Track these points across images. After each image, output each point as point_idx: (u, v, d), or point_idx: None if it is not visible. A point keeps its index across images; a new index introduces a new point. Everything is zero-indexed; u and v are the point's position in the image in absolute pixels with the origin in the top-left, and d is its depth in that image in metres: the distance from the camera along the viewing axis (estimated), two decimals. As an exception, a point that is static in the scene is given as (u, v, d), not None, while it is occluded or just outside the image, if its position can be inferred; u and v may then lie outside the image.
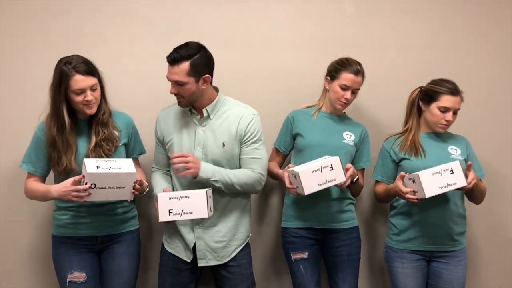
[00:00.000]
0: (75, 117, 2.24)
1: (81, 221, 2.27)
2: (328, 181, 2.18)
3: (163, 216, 2.13)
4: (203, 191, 2.13)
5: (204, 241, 2.29)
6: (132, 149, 2.40)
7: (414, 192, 2.22)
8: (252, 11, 2.76)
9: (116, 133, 2.29)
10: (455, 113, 2.36)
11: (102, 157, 2.20)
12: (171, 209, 2.12)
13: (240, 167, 2.32)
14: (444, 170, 2.18)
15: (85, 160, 2.09)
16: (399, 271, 2.39)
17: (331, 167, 2.18)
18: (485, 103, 2.80)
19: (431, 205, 2.31)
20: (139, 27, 2.70)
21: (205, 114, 2.28)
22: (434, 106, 2.36)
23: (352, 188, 2.45)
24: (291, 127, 2.51)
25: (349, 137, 2.45)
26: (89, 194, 2.08)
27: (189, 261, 2.31)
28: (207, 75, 2.21)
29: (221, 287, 2.38)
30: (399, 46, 2.79)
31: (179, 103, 2.26)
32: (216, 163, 2.27)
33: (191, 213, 2.12)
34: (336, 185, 2.24)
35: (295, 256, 2.43)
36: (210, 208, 2.14)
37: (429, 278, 2.41)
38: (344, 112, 2.54)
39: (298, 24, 2.77)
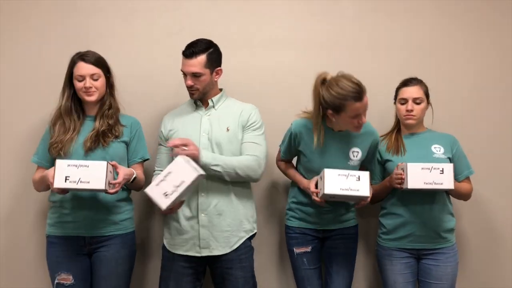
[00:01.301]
0: (84, 112, 2.35)
1: (68, 219, 2.27)
2: (351, 189, 2.20)
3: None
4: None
5: (208, 230, 2.31)
6: (134, 151, 2.39)
7: (402, 179, 2.27)
8: (252, 11, 2.77)
9: (121, 127, 2.34)
10: (417, 103, 2.42)
11: (98, 145, 2.26)
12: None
13: (241, 154, 2.39)
14: (435, 168, 2.23)
15: (57, 161, 2.10)
16: (388, 268, 2.44)
17: (358, 178, 2.21)
18: (476, 102, 2.82)
19: (418, 203, 2.37)
20: (139, 27, 2.71)
21: (210, 104, 2.41)
22: (397, 102, 2.48)
23: None
24: (294, 143, 2.42)
25: (355, 155, 2.37)
26: (67, 191, 2.18)
27: (200, 255, 2.31)
28: (219, 68, 2.40)
29: None
30: (399, 46, 2.80)
31: (192, 95, 2.38)
32: (220, 147, 2.33)
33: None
34: (357, 198, 2.25)
35: (298, 250, 2.45)
36: (196, 169, 2.09)
37: (420, 275, 2.45)
38: None
39: (298, 24, 2.78)
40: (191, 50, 2.31)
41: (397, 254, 2.43)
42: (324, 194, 2.22)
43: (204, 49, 2.32)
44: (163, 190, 2.07)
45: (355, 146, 2.37)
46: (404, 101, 2.44)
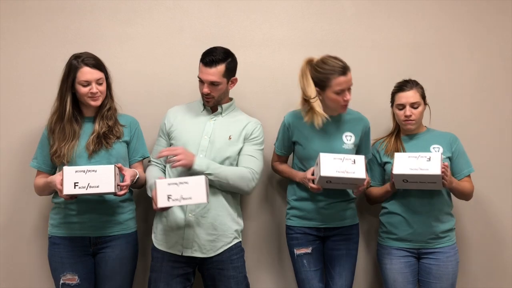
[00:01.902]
0: (81, 114, 2.33)
1: (73, 220, 2.27)
2: (347, 172, 2.22)
3: (162, 202, 2.13)
4: (202, 177, 2.15)
5: (193, 230, 2.30)
6: (134, 150, 2.40)
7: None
8: (253, 11, 2.76)
9: (121, 127, 2.35)
10: (414, 107, 2.42)
11: (102, 147, 2.26)
12: (170, 195, 2.12)
13: (237, 164, 2.40)
14: (422, 157, 2.27)
15: (64, 168, 2.11)
16: (388, 267, 2.45)
17: (354, 161, 2.23)
18: (477, 101, 2.82)
19: (417, 203, 2.39)
20: (139, 27, 2.70)
21: (219, 110, 2.43)
22: (395, 107, 2.48)
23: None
24: (288, 133, 2.48)
25: (349, 139, 2.42)
26: (76, 197, 2.18)
27: (180, 254, 2.31)
28: (235, 77, 2.43)
29: None
30: (399, 46, 2.80)
31: (207, 103, 2.40)
32: (219, 152, 2.34)
33: (190, 198, 2.12)
34: (353, 184, 2.27)
35: (298, 251, 2.44)
36: (207, 195, 2.14)
37: (420, 275, 2.45)
38: None
39: (298, 24, 2.78)
40: (211, 58, 2.31)
41: (397, 253, 2.43)
42: (320, 178, 2.23)
43: (224, 58, 2.34)
44: (170, 192, 2.12)
45: (347, 130, 2.42)
46: (402, 107, 2.43)
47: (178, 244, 2.31)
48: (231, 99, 2.50)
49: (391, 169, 2.30)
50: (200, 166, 2.25)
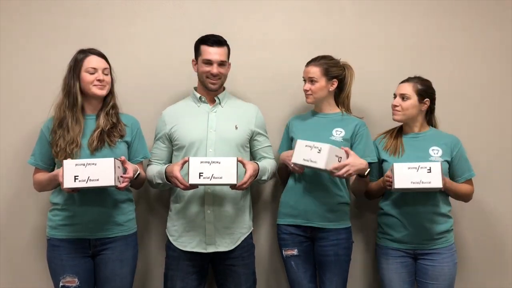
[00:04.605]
0: (83, 111, 2.28)
1: (73, 222, 2.25)
2: (312, 161, 2.23)
3: (193, 179, 2.17)
4: (234, 158, 2.19)
5: (213, 225, 2.34)
6: (136, 151, 2.38)
7: (390, 181, 2.28)
8: (252, 11, 2.76)
9: (124, 126, 2.34)
10: (403, 99, 2.42)
11: (104, 145, 2.24)
12: (202, 173, 2.17)
13: (253, 157, 2.48)
14: (421, 167, 2.22)
15: (64, 162, 2.10)
16: (384, 267, 2.46)
17: (319, 150, 2.23)
18: (476, 102, 2.82)
19: (411, 205, 2.38)
20: (139, 27, 2.70)
21: (217, 101, 2.44)
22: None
23: (360, 182, 2.48)
24: (288, 132, 2.56)
25: (338, 134, 2.44)
26: (78, 190, 2.16)
27: (206, 251, 2.34)
28: (229, 62, 2.45)
29: (225, 285, 2.40)
30: (398, 46, 2.80)
31: (213, 85, 2.39)
32: (228, 143, 2.36)
33: (221, 178, 2.17)
34: (321, 171, 2.28)
35: (286, 252, 2.46)
36: (238, 176, 2.19)
37: (417, 275, 2.45)
38: (344, 112, 2.52)
39: (298, 24, 2.78)
40: (216, 39, 2.37)
41: (393, 253, 2.43)
42: (294, 164, 2.31)
43: (225, 41, 2.41)
44: (202, 170, 2.17)
45: (338, 127, 2.46)
46: (394, 96, 2.47)
47: (201, 242, 2.34)
48: (223, 88, 2.50)
49: (393, 184, 2.24)
50: (261, 176, 2.36)
